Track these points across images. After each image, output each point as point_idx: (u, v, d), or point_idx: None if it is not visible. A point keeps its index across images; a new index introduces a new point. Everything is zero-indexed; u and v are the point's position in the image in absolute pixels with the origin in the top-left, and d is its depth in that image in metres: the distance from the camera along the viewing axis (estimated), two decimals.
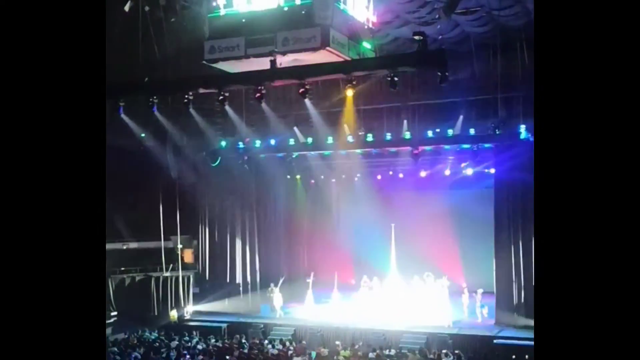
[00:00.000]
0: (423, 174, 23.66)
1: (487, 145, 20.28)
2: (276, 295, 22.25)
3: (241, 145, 22.80)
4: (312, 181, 26.87)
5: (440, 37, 18.98)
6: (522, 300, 19.96)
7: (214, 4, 15.59)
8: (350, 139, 21.64)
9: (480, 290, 20.77)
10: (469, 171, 22.68)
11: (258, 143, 22.56)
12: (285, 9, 14.86)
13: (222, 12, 15.57)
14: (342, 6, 15.05)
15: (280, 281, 22.73)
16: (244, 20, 15.37)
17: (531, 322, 19.45)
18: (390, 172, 24.81)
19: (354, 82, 16.33)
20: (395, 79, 16.19)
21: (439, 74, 15.68)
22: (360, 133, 21.53)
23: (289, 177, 25.34)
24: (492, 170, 21.29)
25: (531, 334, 18.64)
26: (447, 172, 23.53)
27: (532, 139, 19.07)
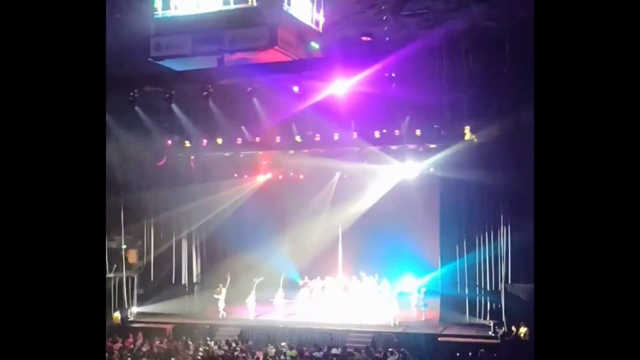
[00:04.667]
0: (368, 175, 23.95)
1: (432, 145, 20.64)
2: (222, 296, 22.12)
3: (187, 144, 22.59)
4: (259, 180, 26.79)
5: (387, 38, 19.20)
6: (466, 298, 20.40)
7: (155, 5, 15.44)
8: (298, 138, 21.68)
9: (423, 289, 21.12)
10: (415, 172, 23.01)
11: (204, 142, 22.37)
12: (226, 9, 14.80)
13: (160, 13, 15.43)
14: (287, 7, 15.08)
15: (228, 281, 22.60)
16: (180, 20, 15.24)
17: (475, 320, 19.99)
18: (338, 173, 24.94)
19: (302, 82, 16.45)
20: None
21: (386, 74, 15.93)
22: (308, 133, 21.59)
23: (235, 176, 25.22)
24: (437, 171, 21.60)
25: (475, 332, 19.20)
26: (393, 175, 23.86)
27: (475, 140, 19.54)
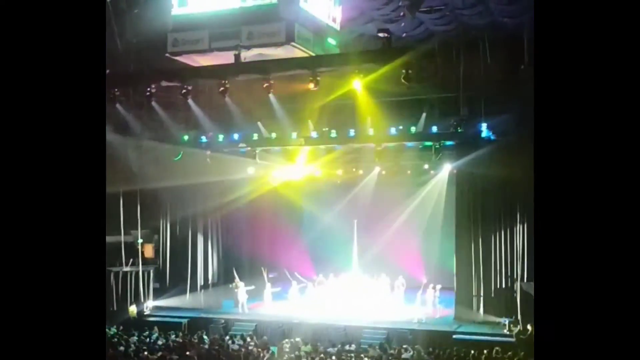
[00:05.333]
0: (384, 172, 24.00)
1: (449, 142, 20.55)
2: (241, 290, 22.15)
3: (204, 139, 22.62)
4: (276, 176, 26.79)
5: (404, 34, 19.16)
6: (481, 296, 20.31)
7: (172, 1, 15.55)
8: (314, 134, 21.71)
9: (438, 286, 21.05)
10: (430, 169, 22.94)
11: (221, 137, 22.39)
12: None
13: (176, 11, 15.49)
14: (304, 3, 15.10)
15: (236, 276, 22.67)
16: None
17: (490, 318, 19.90)
18: (354, 169, 24.94)
19: (318, 78, 16.48)
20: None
21: (403, 71, 15.93)
22: (324, 129, 21.59)
23: (251, 171, 25.25)
24: (454, 167, 21.53)
25: (490, 330, 19.11)
26: (409, 171, 23.82)
27: (492, 137, 19.45)
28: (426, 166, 23.36)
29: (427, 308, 21.02)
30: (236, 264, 24.50)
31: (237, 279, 22.58)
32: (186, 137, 22.65)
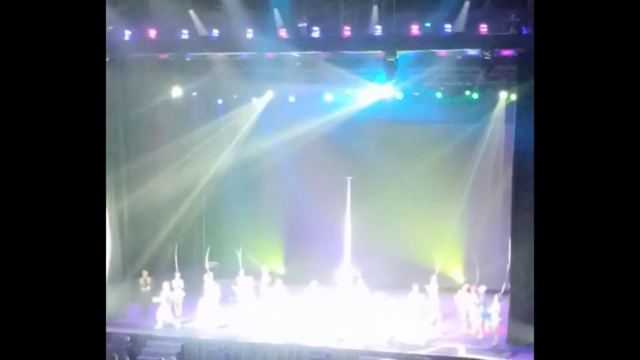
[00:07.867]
0: (400, 95, 24.09)
1: (507, 52, 20.60)
2: (175, 285, 22.33)
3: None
4: (220, 101, 26.92)
5: None
6: None
7: None
8: (283, 33, 21.60)
9: (482, 288, 21.23)
10: (475, 95, 22.94)
11: (127, 35, 22.22)
12: None
13: None
14: None
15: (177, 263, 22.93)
16: None
17: None
18: (348, 91, 25.03)
19: None
20: None
21: None
22: (300, 24, 21.46)
23: (179, 93, 25.02)
24: (513, 96, 21.54)
25: None
26: (439, 95, 23.95)
27: None
28: (468, 93, 23.41)
29: (462, 323, 21.40)
30: (152, 245, 24.60)
31: (145, 272, 22.86)
32: None
